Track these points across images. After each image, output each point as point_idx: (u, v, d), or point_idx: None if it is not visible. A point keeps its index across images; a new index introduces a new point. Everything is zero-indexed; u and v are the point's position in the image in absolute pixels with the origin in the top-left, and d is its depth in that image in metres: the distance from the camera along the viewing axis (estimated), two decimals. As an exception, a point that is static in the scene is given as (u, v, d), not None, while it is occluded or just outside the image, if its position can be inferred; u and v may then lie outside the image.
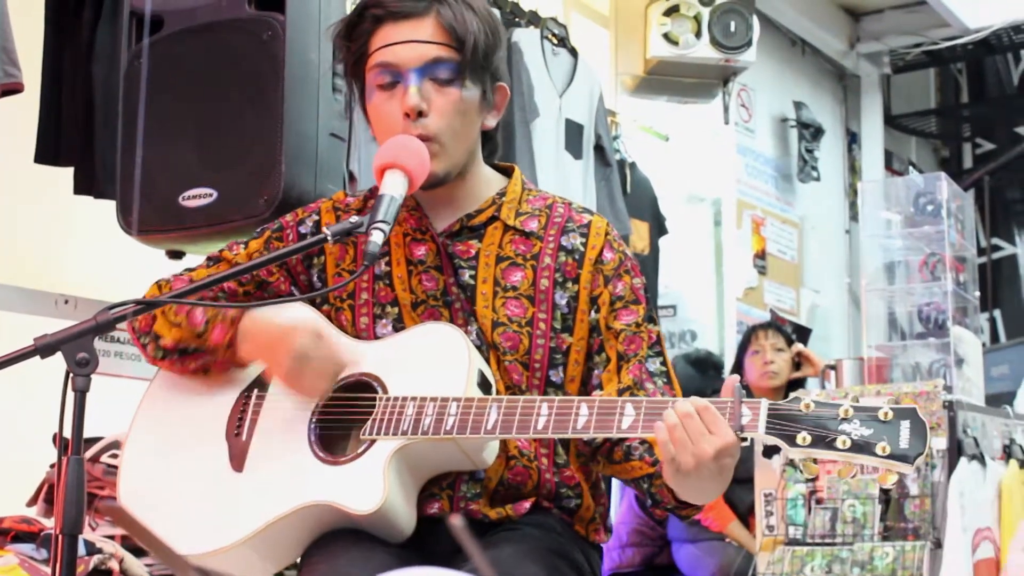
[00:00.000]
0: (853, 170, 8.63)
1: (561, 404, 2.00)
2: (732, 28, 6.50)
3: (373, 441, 2.06)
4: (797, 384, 5.72)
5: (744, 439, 1.91)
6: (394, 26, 2.16)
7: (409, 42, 2.14)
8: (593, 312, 2.19)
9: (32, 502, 3.51)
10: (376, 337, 2.20)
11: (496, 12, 2.27)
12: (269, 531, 2.06)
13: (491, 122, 2.25)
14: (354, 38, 2.21)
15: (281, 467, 2.11)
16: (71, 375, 1.86)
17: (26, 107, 3.58)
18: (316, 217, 2.30)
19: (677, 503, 2.11)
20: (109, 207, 3.45)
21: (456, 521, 0.80)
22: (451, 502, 2.14)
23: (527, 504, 2.17)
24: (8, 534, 3.11)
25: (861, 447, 1.85)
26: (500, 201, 2.24)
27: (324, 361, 2.12)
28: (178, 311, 2.20)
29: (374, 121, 2.22)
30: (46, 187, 3.82)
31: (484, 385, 2.08)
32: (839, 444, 1.86)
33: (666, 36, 6.51)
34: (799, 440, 1.87)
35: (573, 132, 5.20)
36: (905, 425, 1.85)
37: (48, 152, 3.64)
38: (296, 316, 2.15)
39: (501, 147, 2.34)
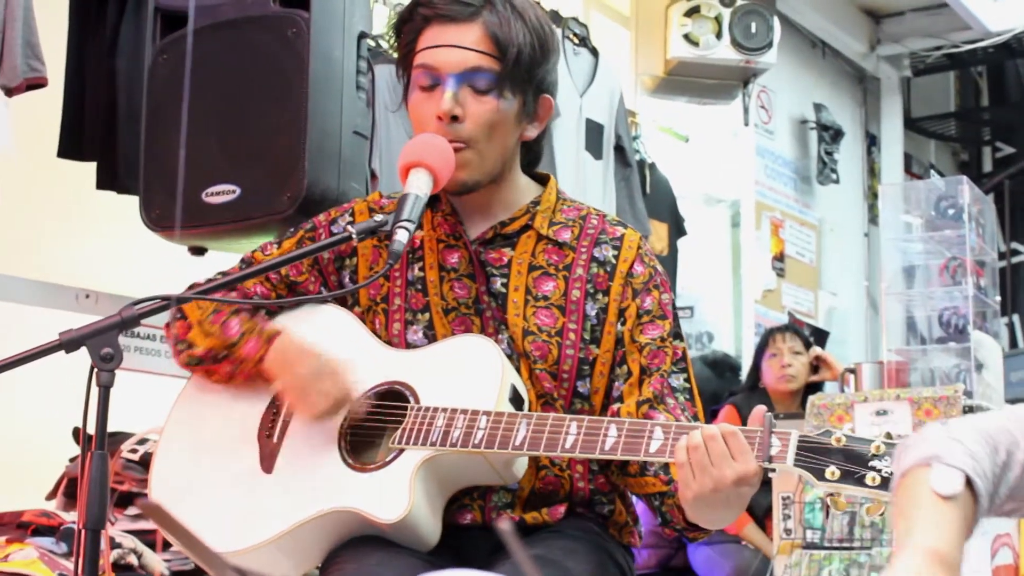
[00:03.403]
0: (872, 173, 8.61)
1: (590, 424, 1.98)
2: (753, 29, 6.49)
3: (402, 450, 2.05)
4: (815, 388, 5.71)
5: (772, 470, 1.88)
6: (441, 28, 2.15)
7: (451, 47, 2.13)
8: (620, 324, 2.18)
9: (52, 496, 3.52)
10: (407, 343, 2.19)
11: (551, 25, 2.24)
12: (294, 534, 2.06)
13: (532, 133, 2.23)
14: (404, 34, 2.20)
15: (309, 471, 2.11)
16: (95, 370, 1.86)
17: (50, 102, 3.59)
18: (350, 217, 2.29)
19: (687, 525, 2.09)
20: (131, 202, 3.46)
21: (504, 525, 0.79)
22: (483, 512, 2.13)
23: (562, 509, 2.16)
24: (28, 527, 3.13)
25: (891, 485, 1.78)
26: (534, 210, 2.23)
27: (332, 384, 2.09)
28: (214, 320, 2.20)
29: (412, 118, 2.21)
30: (69, 181, 3.83)
31: (516, 400, 2.07)
32: (868, 481, 1.81)
33: (687, 37, 6.51)
34: (828, 474, 1.83)
35: (593, 132, 5.20)
36: None
37: (71, 147, 3.65)
38: (326, 345, 2.13)
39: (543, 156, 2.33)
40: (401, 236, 1.99)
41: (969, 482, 1.54)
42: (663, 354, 2.16)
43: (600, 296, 2.18)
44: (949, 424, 1.65)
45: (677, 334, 2.20)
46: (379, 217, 2.05)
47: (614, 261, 2.20)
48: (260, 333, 2.17)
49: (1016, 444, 1.60)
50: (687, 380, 2.18)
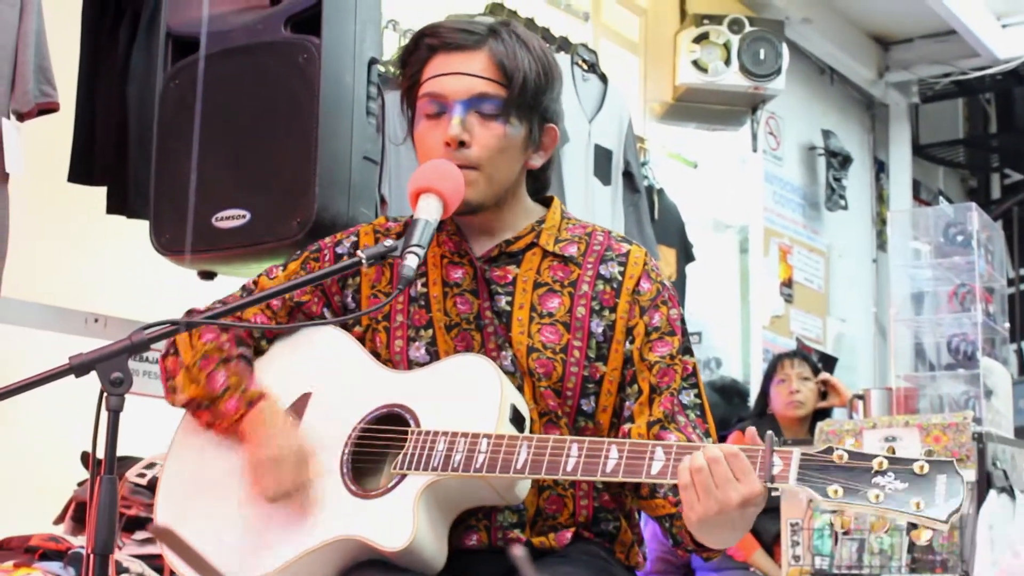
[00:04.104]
0: (881, 199, 8.61)
1: (591, 446, 1.98)
2: (761, 56, 6.51)
3: (404, 475, 2.05)
4: (823, 414, 5.69)
5: (774, 489, 1.88)
6: (446, 57, 2.17)
7: (457, 74, 2.15)
8: (628, 343, 2.18)
9: (59, 520, 3.52)
10: (409, 361, 2.19)
11: (554, 54, 2.26)
12: (301, 563, 2.06)
13: (537, 161, 2.25)
14: (409, 64, 2.23)
15: (312, 499, 2.10)
16: (105, 394, 1.86)
17: (61, 126, 3.60)
18: (354, 239, 2.30)
19: (696, 545, 2.09)
20: (141, 227, 3.46)
21: (518, 552, 0.79)
22: (489, 533, 2.13)
23: (568, 534, 2.15)
24: (36, 552, 3.12)
25: (895, 502, 1.79)
26: (539, 228, 2.24)
27: (290, 476, 2.08)
28: (202, 367, 2.19)
29: (418, 148, 2.22)
30: (79, 206, 3.84)
31: (517, 419, 2.07)
32: (872, 498, 1.80)
33: (695, 63, 6.53)
34: (831, 492, 1.82)
35: (602, 158, 5.19)
36: (941, 480, 1.79)
37: (81, 171, 3.66)
38: (300, 434, 2.13)
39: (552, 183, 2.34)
40: (411, 261, 2.00)
41: None
42: (673, 371, 2.16)
43: (607, 313, 2.18)
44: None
45: (687, 349, 2.20)
46: (389, 242, 2.06)
47: (620, 278, 2.20)
48: (243, 393, 2.16)
49: None
50: (698, 396, 2.18)
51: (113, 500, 1.84)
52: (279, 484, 2.08)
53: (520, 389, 2.13)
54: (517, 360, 2.15)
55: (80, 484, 3.56)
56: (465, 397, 2.08)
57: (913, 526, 1.82)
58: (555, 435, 2.07)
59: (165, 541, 1.38)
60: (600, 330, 2.17)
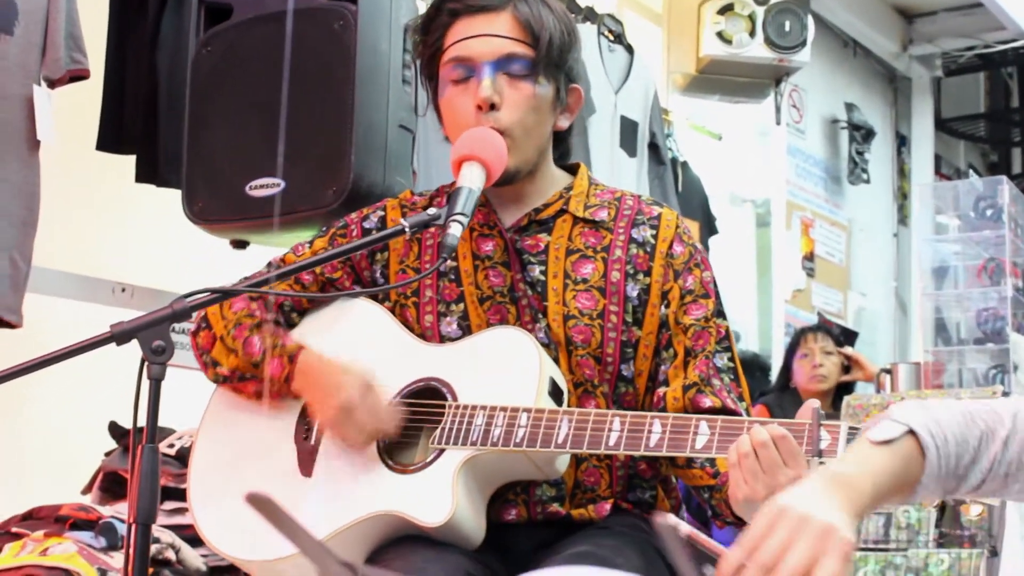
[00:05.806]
0: (902, 173, 8.56)
1: (633, 420, 1.96)
2: (787, 28, 6.45)
3: (442, 450, 2.03)
4: (846, 388, 5.67)
5: (821, 463, 1.86)
6: (470, 20, 2.16)
7: (484, 36, 2.14)
8: (663, 307, 2.17)
9: (87, 490, 3.51)
10: (441, 335, 2.17)
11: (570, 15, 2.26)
12: (339, 538, 2.05)
13: (564, 123, 2.24)
14: (430, 32, 2.21)
15: (349, 474, 2.09)
16: (146, 363, 1.84)
17: (90, 93, 3.58)
18: (382, 213, 2.29)
19: (736, 519, 2.08)
20: (169, 195, 3.44)
21: (666, 521, 0.77)
22: (528, 507, 2.12)
23: (607, 506, 2.15)
24: (66, 521, 3.10)
25: None
26: (568, 195, 2.23)
27: (367, 415, 2.07)
28: (236, 336, 2.18)
29: (446, 116, 2.20)
30: (107, 174, 3.82)
31: (555, 392, 2.05)
32: None
33: (720, 35, 6.48)
34: None
35: (628, 130, 5.16)
36: None
37: (111, 139, 3.63)
38: (350, 363, 2.11)
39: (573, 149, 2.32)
40: (455, 230, 1.98)
41: (917, 439, 1.54)
42: (707, 334, 2.16)
43: (641, 276, 2.17)
44: (928, 399, 1.66)
45: (720, 312, 2.19)
46: (432, 210, 2.04)
47: (653, 241, 2.19)
48: (282, 350, 2.15)
49: (1000, 421, 1.60)
50: (731, 359, 2.18)
51: (155, 469, 1.83)
52: (360, 431, 2.07)
53: (555, 361, 2.11)
54: (551, 330, 2.13)
55: (108, 454, 3.55)
56: (502, 370, 2.07)
57: (961, 500, 1.81)
58: (595, 408, 2.06)
59: (261, 510, 1.37)
60: (635, 294, 2.16)
